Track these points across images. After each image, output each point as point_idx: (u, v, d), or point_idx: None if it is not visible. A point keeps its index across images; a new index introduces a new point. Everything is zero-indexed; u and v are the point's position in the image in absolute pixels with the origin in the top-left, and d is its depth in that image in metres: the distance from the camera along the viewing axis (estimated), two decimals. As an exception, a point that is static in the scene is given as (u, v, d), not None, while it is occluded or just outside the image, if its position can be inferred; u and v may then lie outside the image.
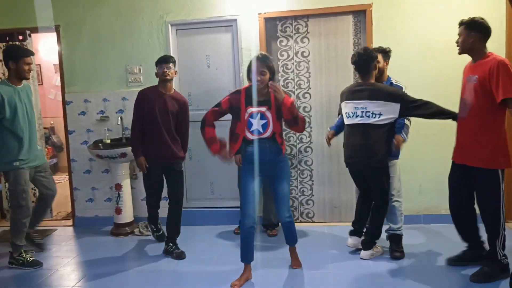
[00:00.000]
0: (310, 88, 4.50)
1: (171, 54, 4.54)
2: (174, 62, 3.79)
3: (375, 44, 4.23)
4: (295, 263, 3.51)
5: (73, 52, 4.70)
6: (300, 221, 4.63)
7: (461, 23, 3.09)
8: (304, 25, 4.45)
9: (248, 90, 3.21)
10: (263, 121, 3.16)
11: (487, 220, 3.11)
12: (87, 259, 3.85)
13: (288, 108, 3.07)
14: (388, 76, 3.73)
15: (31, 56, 3.75)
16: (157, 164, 3.80)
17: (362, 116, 3.39)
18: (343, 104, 3.58)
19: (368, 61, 3.42)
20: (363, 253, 3.61)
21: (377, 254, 3.63)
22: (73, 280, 3.49)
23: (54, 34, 4.73)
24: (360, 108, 3.40)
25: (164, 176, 3.91)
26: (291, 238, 3.46)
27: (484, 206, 3.11)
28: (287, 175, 3.34)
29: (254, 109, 3.17)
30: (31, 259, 3.74)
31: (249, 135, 3.19)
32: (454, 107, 3.30)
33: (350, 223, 3.81)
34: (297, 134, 4.52)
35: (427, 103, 3.28)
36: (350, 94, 3.51)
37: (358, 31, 4.38)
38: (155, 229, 4.18)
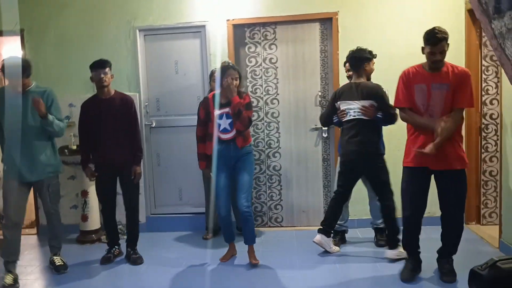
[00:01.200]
0: (278, 94, 4.55)
1: (139, 60, 4.52)
2: (110, 66, 3.67)
3: (341, 51, 4.34)
4: (253, 260, 3.62)
5: (37, 56, 4.60)
6: (269, 226, 4.67)
7: (443, 39, 3.03)
8: (272, 32, 4.51)
9: (214, 95, 3.59)
10: (229, 120, 3.52)
11: (456, 219, 3.21)
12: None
13: (233, 106, 3.46)
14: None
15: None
16: (106, 172, 3.75)
17: (358, 113, 3.56)
18: (341, 103, 3.65)
19: (359, 60, 3.63)
20: (389, 252, 3.62)
21: (402, 255, 3.49)
22: (37, 289, 3.42)
23: (18, 38, 4.63)
24: (355, 105, 3.58)
25: (120, 184, 3.85)
26: (248, 234, 3.62)
27: (456, 205, 3.20)
28: (250, 167, 3.66)
29: (220, 111, 3.53)
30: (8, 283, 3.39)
31: (219, 134, 3.56)
32: None
33: (317, 227, 3.86)
34: (265, 139, 4.57)
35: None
36: (345, 94, 3.64)
37: (325, 38, 4.47)
38: (109, 242, 3.95)
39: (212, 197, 4.19)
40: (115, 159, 3.69)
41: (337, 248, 3.85)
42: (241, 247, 3.79)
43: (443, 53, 3.07)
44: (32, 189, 3.69)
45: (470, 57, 4.26)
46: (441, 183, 3.22)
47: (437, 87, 3.10)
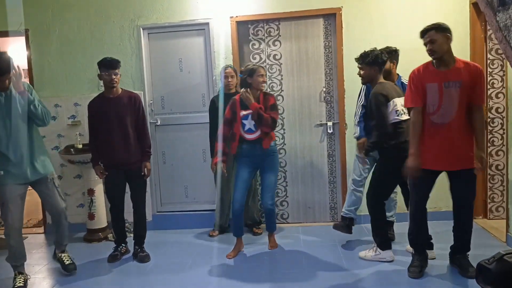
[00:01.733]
0: (282, 91, 4.55)
1: (143, 58, 4.53)
2: (119, 64, 3.67)
3: (345, 47, 4.33)
4: (272, 244, 3.92)
5: (42, 56, 4.63)
6: (277, 222, 4.65)
7: (430, 29, 3.03)
8: (275, 28, 4.50)
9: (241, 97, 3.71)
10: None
11: (468, 216, 3.22)
12: (58, 266, 3.76)
13: (252, 113, 3.63)
14: (398, 75, 3.80)
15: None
16: (116, 171, 3.76)
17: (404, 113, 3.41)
18: (397, 100, 3.39)
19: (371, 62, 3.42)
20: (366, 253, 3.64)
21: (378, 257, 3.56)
22: (45, 287, 3.44)
23: (23, 38, 4.66)
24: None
25: (127, 182, 3.86)
26: (271, 224, 3.91)
27: (469, 204, 3.20)
28: (275, 167, 3.82)
29: (245, 112, 3.66)
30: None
31: (244, 134, 3.70)
32: None
33: (324, 223, 3.87)
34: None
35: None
36: (395, 92, 3.46)
37: (328, 34, 4.46)
38: (116, 240, 3.97)
39: (223, 194, 4.28)
40: (123, 158, 3.71)
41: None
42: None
43: (433, 42, 3.01)
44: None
45: (475, 51, 4.23)
46: (456, 182, 3.19)
47: (449, 85, 3.03)
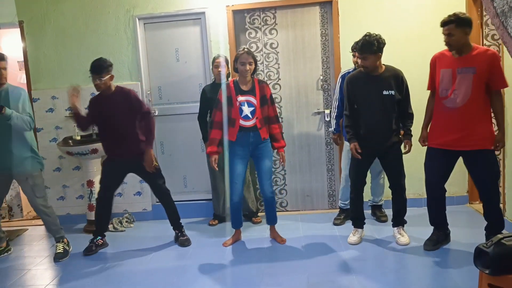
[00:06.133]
0: (279, 79, 4.55)
1: (140, 48, 4.51)
2: (108, 67, 3.62)
3: (341, 34, 4.32)
4: (279, 239, 3.82)
5: (38, 48, 4.61)
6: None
7: (449, 22, 3.10)
8: (272, 17, 4.49)
9: (236, 82, 3.65)
10: (251, 108, 3.60)
11: (492, 192, 3.26)
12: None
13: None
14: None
15: (2, 61, 3.54)
16: (115, 161, 3.79)
17: None
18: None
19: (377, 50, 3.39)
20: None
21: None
22: (47, 279, 3.45)
23: (18, 30, 4.62)
24: None
25: (137, 175, 3.93)
26: (271, 216, 3.83)
27: (489, 182, 3.24)
28: (270, 154, 3.74)
29: (242, 98, 3.59)
30: None
31: (240, 121, 3.60)
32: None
33: (322, 211, 3.90)
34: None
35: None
36: None
37: (325, 22, 4.45)
38: (94, 231, 3.96)
39: (217, 183, 4.28)
40: (119, 153, 3.74)
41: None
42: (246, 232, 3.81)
43: (450, 35, 3.11)
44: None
45: (471, 36, 4.18)
46: (472, 165, 3.27)
47: (463, 71, 3.13)
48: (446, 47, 3.22)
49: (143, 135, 3.75)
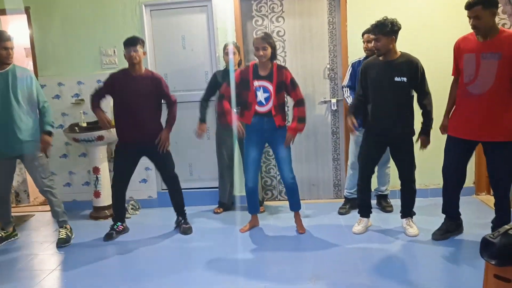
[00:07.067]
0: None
1: (146, 35, 4.50)
2: (142, 43, 3.67)
3: (349, 23, 4.28)
4: (299, 227, 3.77)
5: (45, 34, 4.60)
6: (280, 200, 4.70)
7: (475, 4, 2.89)
8: (279, 5, 4.45)
9: (255, 65, 3.61)
10: (266, 94, 3.57)
11: (505, 188, 3.20)
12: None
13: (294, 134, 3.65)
14: None
15: (9, 41, 3.56)
16: (129, 147, 3.76)
17: None
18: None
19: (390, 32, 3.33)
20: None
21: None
22: (54, 264, 3.49)
23: (24, 17, 4.61)
24: None
25: (149, 158, 3.92)
26: (294, 202, 3.77)
27: (508, 176, 3.16)
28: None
29: (258, 83, 3.56)
30: None
31: (256, 106, 3.58)
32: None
33: (328, 200, 3.90)
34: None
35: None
36: None
37: (332, 10, 4.41)
38: (113, 218, 3.99)
39: (224, 171, 4.29)
40: (137, 136, 3.71)
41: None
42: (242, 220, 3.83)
43: (477, 18, 2.90)
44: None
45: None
46: (490, 156, 3.17)
47: (487, 56, 2.97)
48: (463, 33, 3.09)
49: (167, 122, 3.81)
